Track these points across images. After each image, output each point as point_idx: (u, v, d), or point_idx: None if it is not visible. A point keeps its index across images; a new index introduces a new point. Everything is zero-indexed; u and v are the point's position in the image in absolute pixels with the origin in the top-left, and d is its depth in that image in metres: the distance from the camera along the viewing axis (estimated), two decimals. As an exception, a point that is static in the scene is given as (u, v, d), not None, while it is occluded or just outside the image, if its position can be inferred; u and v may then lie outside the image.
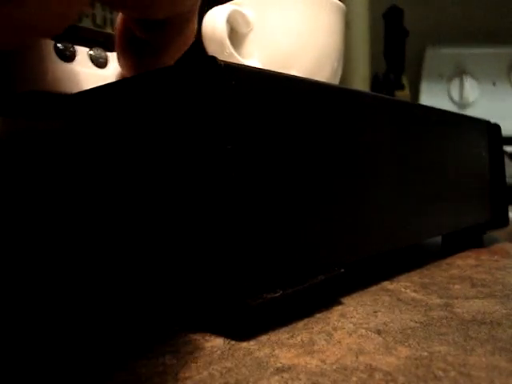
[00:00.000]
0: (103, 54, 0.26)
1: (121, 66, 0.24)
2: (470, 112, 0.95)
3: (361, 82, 0.84)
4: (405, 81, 0.95)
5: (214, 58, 0.16)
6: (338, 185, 0.22)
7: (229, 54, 0.30)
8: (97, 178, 0.22)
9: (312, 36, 0.32)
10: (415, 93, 0.99)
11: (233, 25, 0.31)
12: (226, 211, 0.17)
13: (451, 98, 0.98)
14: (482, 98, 0.98)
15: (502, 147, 0.39)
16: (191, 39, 0.22)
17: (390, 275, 0.26)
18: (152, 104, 0.19)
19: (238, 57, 0.31)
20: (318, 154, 0.21)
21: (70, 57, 0.25)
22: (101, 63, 0.26)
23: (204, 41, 0.30)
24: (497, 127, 0.39)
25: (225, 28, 0.29)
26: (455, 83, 0.98)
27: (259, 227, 0.18)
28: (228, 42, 0.30)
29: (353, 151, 0.23)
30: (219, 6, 0.30)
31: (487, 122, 0.38)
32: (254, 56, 0.32)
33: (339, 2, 0.33)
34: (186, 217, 0.18)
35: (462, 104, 0.98)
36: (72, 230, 0.24)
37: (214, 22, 0.29)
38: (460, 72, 0.98)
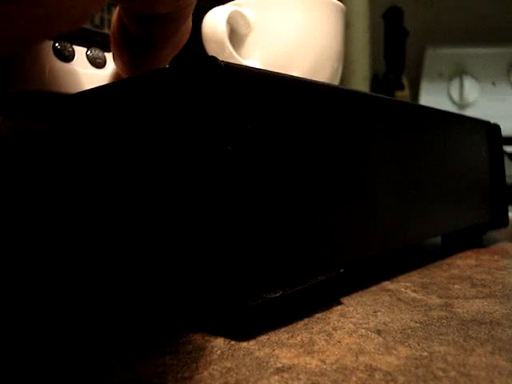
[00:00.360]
0: (101, 54, 0.26)
1: (116, 65, 0.24)
2: (469, 112, 0.95)
3: (361, 82, 0.85)
4: (405, 81, 0.95)
5: (214, 59, 0.16)
6: (338, 185, 0.22)
7: (229, 54, 0.30)
8: (96, 180, 0.22)
9: (312, 37, 0.32)
10: (415, 93, 0.99)
11: (233, 25, 0.31)
12: (226, 212, 0.17)
13: (451, 98, 0.98)
14: (481, 97, 0.98)
15: (501, 147, 0.39)
16: (187, 37, 0.22)
17: (390, 275, 0.27)
18: (152, 105, 0.19)
19: (238, 57, 0.31)
20: (318, 155, 0.21)
21: (68, 57, 0.25)
22: (99, 63, 0.26)
23: (204, 41, 0.30)
24: (497, 127, 0.39)
25: (225, 28, 0.29)
26: (455, 83, 0.98)
27: (259, 228, 0.18)
28: (228, 43, 0.30)
29: (353, 151, 0.23)
30: (219, 7, 0.31)
31: (487, 123, 0.38)
32: (253, 57, 0.32)
33: (339, 3, 0.33)
34: (186, 217, 0.18)
35: (462, 104, 0.98)
36: (73, 231, 0.24)
37: (215, 22, 0.29)
38: (460, 72, 0.98)
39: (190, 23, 0.21)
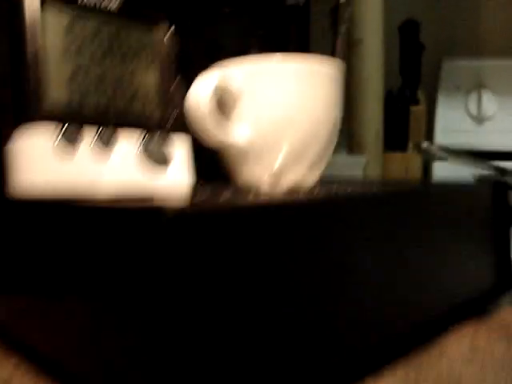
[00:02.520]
0: None
1: None
2: (488, 126, 0.93)
3: (374, 100, 0.82)
4: (420, 95, 0.93)
5: (162, 210, 0.15)
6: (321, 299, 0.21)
7: (211, 132, 0.29)
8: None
9: (304, 109, 0.30)
10: (431, 107, 0.96)
11: (221, 93, 0.30)
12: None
13: (469, 112, 0.95)
14: (500, 111, 0.95)
15: (508, 205, 0.37)
16: None
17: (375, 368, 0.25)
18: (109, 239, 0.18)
19: (221, 137, 0.29)
20: (290, 289, 0.20)
21: None
22: None
23: (187, 114, 0.29)
24: (503, 185, 0.37)
25: (208, 106, 0.28)
26: (473, 96, 0.95)
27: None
28: (210, 121, 0.28)
29: (334, 268, 0.22)
30: (205, 76, 0.29)
31: (492, 181, 0.36)
32: (244, 120, 0.30)
33: (333, 68, 0.31)
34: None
35: (480, 118, 0.95)
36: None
37: (198, 98, 0.28)
38: (478, 85, 0.95)
39: None
